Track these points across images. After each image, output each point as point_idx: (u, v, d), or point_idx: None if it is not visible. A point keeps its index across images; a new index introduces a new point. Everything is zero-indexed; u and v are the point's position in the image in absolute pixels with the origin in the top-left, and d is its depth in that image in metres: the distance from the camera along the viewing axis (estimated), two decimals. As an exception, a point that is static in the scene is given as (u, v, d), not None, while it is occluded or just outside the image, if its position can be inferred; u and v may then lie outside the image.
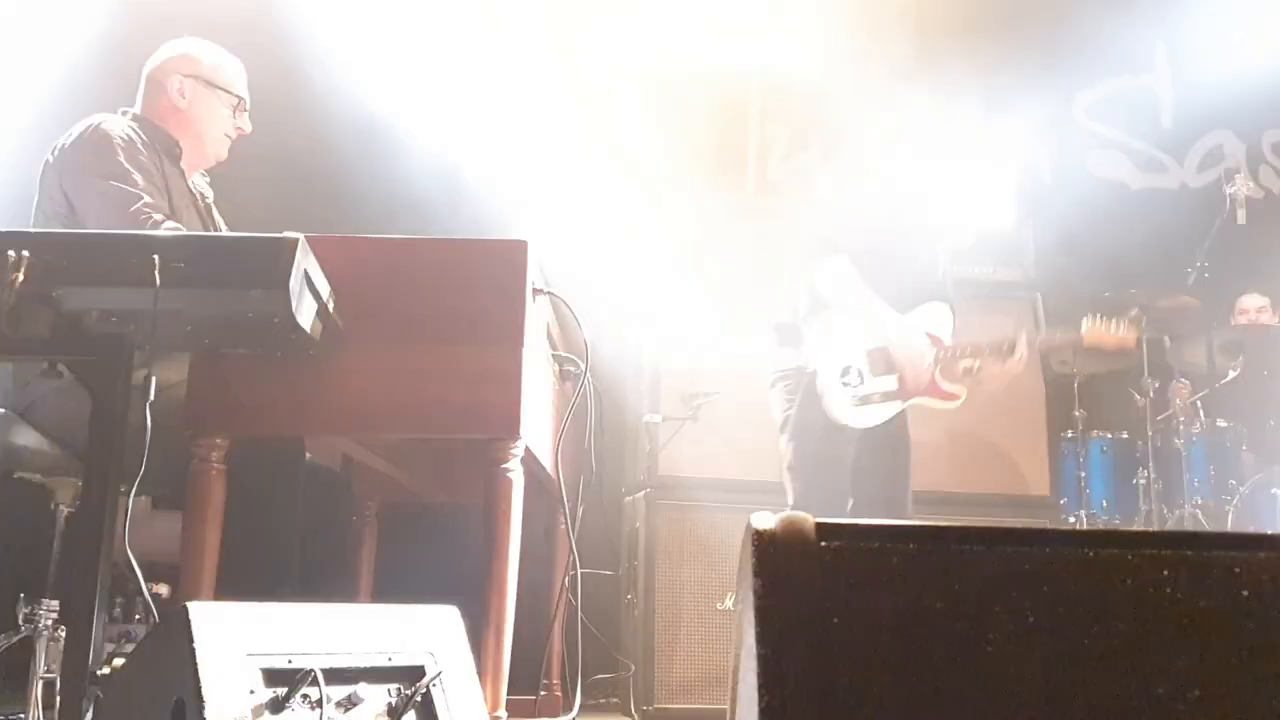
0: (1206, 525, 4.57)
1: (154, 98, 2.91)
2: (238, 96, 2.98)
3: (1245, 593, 0.73)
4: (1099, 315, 3.79)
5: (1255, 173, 5.92)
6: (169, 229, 2.58)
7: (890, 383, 3.44)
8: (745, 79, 6.03)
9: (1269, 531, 4.18)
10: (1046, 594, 0.73)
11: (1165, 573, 0.73)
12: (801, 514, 0.75)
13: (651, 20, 5.59)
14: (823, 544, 0.73)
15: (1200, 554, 0.74)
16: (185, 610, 1.61)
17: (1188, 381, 5.10)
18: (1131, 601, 0.73)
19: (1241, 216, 4.50)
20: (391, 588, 3.21)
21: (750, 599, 0.74)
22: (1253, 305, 5.29)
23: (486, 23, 5.49)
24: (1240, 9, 5.76)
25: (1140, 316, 4.76)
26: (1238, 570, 0.73)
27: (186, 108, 2.90)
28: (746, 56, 5.98)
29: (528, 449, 2.38)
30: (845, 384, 3.39)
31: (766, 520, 0.75)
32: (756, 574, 0.73)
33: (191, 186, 2.94)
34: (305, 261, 2.02)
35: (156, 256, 1.92)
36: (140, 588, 2.07)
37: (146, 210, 2.60)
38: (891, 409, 3.44)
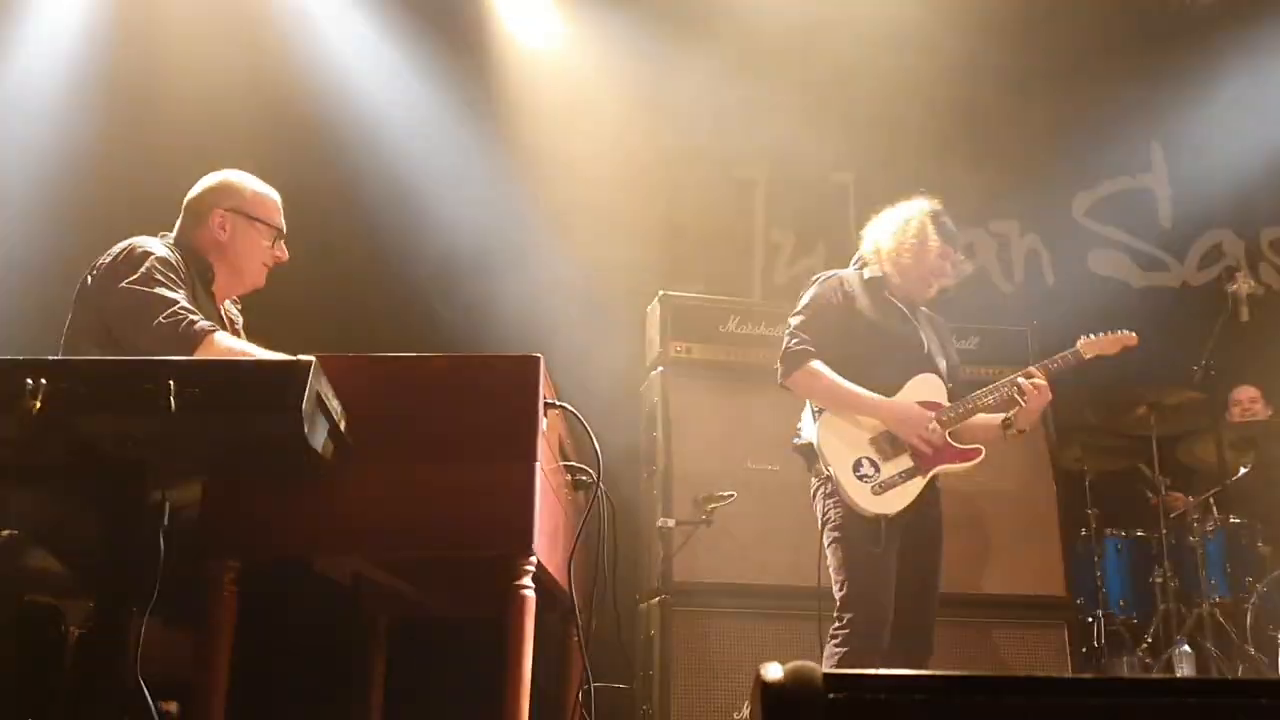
0: (1226, 626, 4.51)
1: (193, 228, 2.91)
2: (276, 229, 2.98)
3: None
4: (1090, 334, 3.80)
5: (1255, 270, 5.97)
6: (205, 329, 2.58)
7: (904, 461, 3.43)
8: (750, 184, 6.14)
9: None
10: (1054, 743, 0.73)
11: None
12: (810, 664, 0.76)
13: (657, 125, 5.72)
14: (830, 695, 0.74)
15: (1207, 702, 0.74)
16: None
17: (1180, 494, 5.11)
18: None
19: (1244, 314, 4.54)
20: (403, 703, 3.17)
21: (761, 750, 0.75)
22: (1245, 396, 5.39)
23: (501, 130, 5.64)
24: (1233, 109, 5.87)
25: (1149, 412, 4.81)
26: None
27: (227, 241, 2.90)
28: (751, 162, 6.11)
29: (540, 563, 2.38)
30: (861, 478, 3.38)
31: (775, 671, 0.76)
32: (765, 726, 0.74)
33: (222, 312, 2.95)
34: (318, 383, 2.04)
35: (172, 382, 1.95)
36: (151, 713, 2.06)
37: (182, 312, 2.59)
38: (915, 486, 3.42)
